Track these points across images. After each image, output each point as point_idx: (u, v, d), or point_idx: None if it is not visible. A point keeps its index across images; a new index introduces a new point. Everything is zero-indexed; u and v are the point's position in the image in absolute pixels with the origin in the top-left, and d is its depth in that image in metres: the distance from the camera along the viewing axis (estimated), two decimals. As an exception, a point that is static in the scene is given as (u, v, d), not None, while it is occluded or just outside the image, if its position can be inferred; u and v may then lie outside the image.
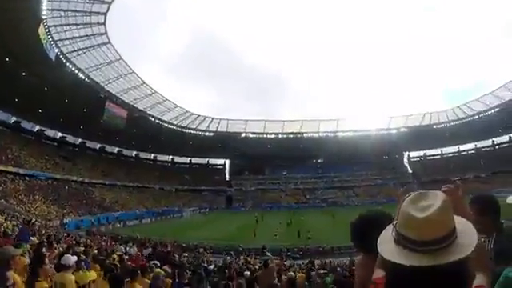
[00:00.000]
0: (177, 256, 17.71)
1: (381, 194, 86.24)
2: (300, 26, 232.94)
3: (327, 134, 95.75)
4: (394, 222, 1.22)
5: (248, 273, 12.42)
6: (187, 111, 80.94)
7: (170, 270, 9.55)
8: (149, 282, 6.89)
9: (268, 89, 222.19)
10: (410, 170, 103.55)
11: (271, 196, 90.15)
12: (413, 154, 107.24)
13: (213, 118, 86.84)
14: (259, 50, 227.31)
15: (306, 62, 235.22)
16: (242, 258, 22.12)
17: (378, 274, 1.47)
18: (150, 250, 19.02)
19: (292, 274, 12.02)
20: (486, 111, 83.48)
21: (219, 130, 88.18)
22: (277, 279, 11.03)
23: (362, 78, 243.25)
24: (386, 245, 1.19)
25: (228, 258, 23.17)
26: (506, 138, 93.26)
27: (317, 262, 20.61)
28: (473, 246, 1.13)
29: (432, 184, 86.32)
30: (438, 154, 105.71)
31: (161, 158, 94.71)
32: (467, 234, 1.18)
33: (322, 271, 13.67)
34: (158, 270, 8.01)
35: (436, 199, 1.16)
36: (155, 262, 10.67)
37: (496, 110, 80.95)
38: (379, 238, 1.25)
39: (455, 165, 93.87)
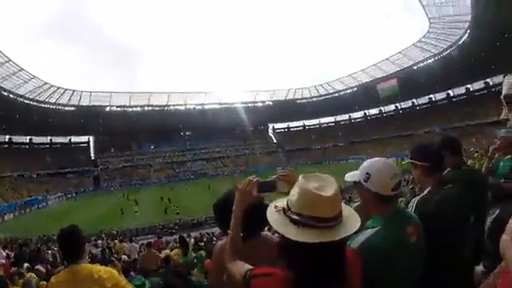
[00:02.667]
0: (50, 252, 16.12)
1: (248, 163, 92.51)
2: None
3: (195, 107, 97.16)
4: (284, 205, 1.32)
5: (125, 257, 12.63)
6: (46, 83, 73.73)
7: (43, 270, 8.78)
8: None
9: (133, 60, 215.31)
10: (275, 140, 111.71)
11: (140, 172, 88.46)
12: (277, 125, 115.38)
13: (74, 91, 79.81)
14: (123, 19, 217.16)
15: (174, 34, 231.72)
16: (116, 241, 20.90)
17: (244, 267, 1.53)
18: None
19: (168, 251, 12.01)
20: (344, 90, 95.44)
21: (81, 103, 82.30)
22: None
23: (230, 53, 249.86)
24: (286, 228, 1.25)
25: (99, 242, 23.28)
26: (361, 113, 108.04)
27: (194, 234, 21.24)
28: (359, 220, 1.33)
29: (295, 152, 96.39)
30: (300, 126, 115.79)
31: (17, 139, 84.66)
32: (347, 208, 1.36)
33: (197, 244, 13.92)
34: (29, 273, 7.55)
35: (328, 179, 1.30)
36: (27, 264, 9.68)
37: (354, 89, 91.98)
38: (274, 224, 1.30)
39: (316, 135, 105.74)
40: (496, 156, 3.68)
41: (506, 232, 1.68)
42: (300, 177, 1.30)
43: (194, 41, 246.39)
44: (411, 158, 2.57)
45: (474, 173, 3.07)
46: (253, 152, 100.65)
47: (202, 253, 9.37)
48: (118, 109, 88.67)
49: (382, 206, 1.86)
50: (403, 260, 1.76)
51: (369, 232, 1.79)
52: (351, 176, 2.01)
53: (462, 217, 2.36)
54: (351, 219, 1.30)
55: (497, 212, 3.43)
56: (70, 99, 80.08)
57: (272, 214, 1.33)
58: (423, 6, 54.25)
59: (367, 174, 1.87)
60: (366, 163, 1.93)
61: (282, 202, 1.34)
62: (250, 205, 1.90)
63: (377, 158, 1.94)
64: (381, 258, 1.70)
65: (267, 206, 1.53)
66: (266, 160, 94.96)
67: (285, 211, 1.29)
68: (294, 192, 1.28)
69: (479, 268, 2.59)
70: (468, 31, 56.14)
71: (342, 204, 1.31)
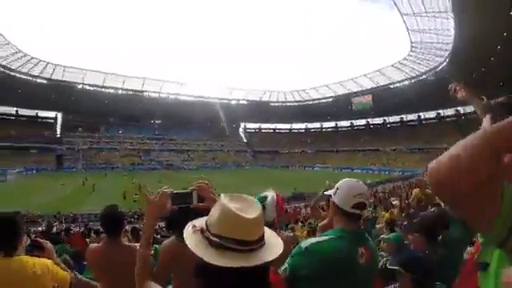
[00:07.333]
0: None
1: (215, 159, 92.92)
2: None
3: (169, 96, 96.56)
4: (203, 224, 1.24)
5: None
6: (20, 51, 70.90)
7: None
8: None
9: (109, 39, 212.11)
10: (244, 140, 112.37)
11: (105, 156, 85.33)
12: (249, 125, 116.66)
13: (48, 63, 77.49)
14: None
15: (155, 20, 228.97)
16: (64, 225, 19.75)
17: None
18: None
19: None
20: (319, 99, 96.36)
21: (54, 77, 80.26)
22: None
23: (209, 47, 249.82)
24: (204, 250, 1.16)
25: (55, 224, 20.76)
26: (332, 124, 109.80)
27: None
28: (282, 246, 1.25)
29: (263, 153, 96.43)
30: (271, 129, 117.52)
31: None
32: (271, 233, 1.30)
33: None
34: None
35: (251, 201, 1.24)
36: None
37: (328, 100, 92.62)
38: (191, 246, 1.19)
39: (286, 140, 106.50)
40: None
41: None
42: (222, 196, 1.25)
43: (175, 31, 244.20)
44: None
45: None
46: (221, 149, 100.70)
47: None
48: (91, 88, 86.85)
49: (343, 221, 2.00)
50: (346, 275, 1.87)
51: (323, 237, 1.94)
52: (329, 191, 2.20)
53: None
54: (274, 244, 1.25)
55: None
56: (42, 71, 78.20)
57: (190, 235, 1.23)
58: (408, 30, 55.87)
59: (337, 188, 2.07)
60: (341, 181, 2.11)
61: (200, 222, 1.27)
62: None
63: (351, 178, 2.11)
64: (323, 264, 1.83)
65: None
66: (234, 159, 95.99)
67: (203, 232, 1.21)
68: (215, 212, 1.21)
69: None
70: (447, 60, 58.18)
71: (266, 228, 1.27)
